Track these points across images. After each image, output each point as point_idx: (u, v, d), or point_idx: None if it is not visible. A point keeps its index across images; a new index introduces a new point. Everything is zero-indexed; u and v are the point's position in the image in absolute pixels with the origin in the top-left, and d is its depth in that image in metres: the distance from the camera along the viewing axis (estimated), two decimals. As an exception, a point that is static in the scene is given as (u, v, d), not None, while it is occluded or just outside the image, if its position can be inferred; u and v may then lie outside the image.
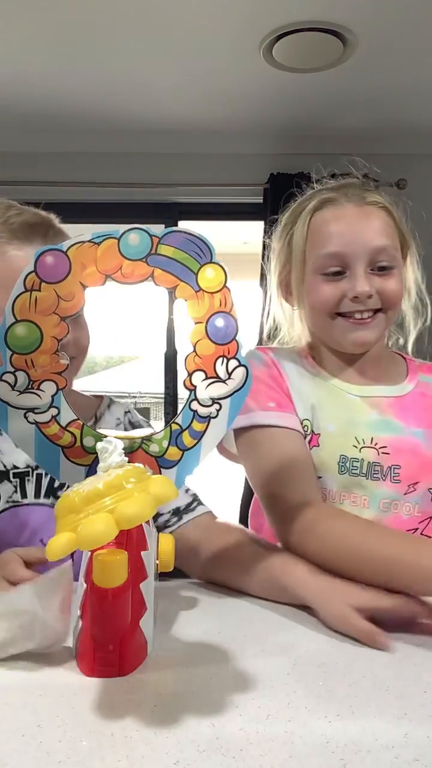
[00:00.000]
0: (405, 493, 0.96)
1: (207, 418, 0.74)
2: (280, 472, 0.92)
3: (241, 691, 0.60)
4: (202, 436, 0.74)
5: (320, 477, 0.97)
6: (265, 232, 2.77)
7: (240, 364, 0.73)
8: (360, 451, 0.97)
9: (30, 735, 0.52)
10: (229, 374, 0.73)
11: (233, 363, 0.73)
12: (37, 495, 0.96)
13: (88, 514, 0.56)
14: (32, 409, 0.73)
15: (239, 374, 0.73)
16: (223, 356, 0.73)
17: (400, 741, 0.52)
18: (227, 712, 0.56)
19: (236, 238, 3.97)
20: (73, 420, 0.74)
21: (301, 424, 0.99)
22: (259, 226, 2.83)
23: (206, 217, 3.09)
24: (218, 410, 0.74)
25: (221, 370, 0.73)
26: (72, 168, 2.76)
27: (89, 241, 0.71)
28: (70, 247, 0.71)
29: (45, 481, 0.97)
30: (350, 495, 0.97)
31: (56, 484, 0.97)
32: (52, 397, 0.73)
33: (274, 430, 0.95)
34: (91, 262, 0.71)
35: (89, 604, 0.62)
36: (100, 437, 0.73)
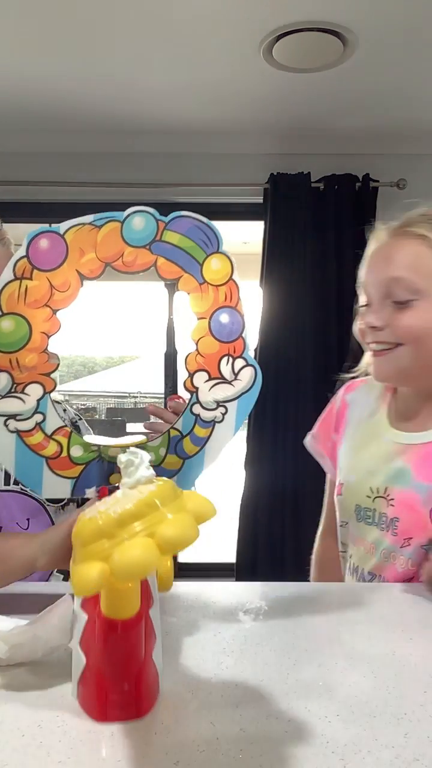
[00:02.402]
0: (401, 546, 0.95)
1: (211, 423, 0.68)
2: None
3: (241, 691, 0.60)
4: (205, 443, 0.68)
5: (347, 523, 1.03)
6: (265, 232, 2.76)
7: (248, 364, 0.67)
8: (373, 501, 0.98)
9: (30, 735, 0.52)
10: (236, 375, 0.67)
11: (240, 362, 0.67)
12: (6, 482, 0.95)
13: (123, 539, 0.46)
14: (14, 416, 0.64)
15: (247, 375, 0.67)
16: (229, 355, 0.67)
17: (400, 741, 0.52)
18: (227, 712, 0.56)
19: (236, 238, 3.96)
20: (60, 427, 0.66)
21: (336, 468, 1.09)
22: (259, 226, 2.82)
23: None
24: (224, 414, 0.67)
25: (226, 371, 0.67)
26: (72, 168, 2.75)
27: (90, 223, 0.64)
28: (68, 230, 0.64)
29: None
30: (363, 541, 1.00)
31: None
32: (38, 401, 0.65)
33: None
34: (91, 248, 0.64)
35: (96, 639, 0.54)
36: (89, 446, 0.67)
